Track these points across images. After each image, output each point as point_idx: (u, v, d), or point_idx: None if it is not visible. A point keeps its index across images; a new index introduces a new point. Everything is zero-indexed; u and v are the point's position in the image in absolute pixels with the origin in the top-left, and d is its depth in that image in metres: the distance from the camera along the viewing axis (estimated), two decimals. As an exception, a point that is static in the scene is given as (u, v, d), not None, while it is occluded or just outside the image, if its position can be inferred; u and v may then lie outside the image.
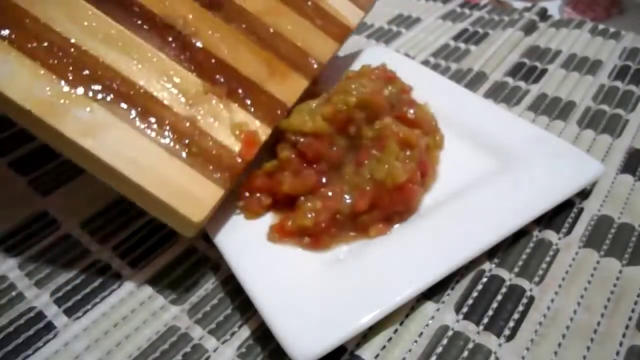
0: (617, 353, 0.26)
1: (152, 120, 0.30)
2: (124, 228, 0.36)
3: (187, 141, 0.30)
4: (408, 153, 0.33)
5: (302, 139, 0.32)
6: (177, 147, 0.30)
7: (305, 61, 0.38)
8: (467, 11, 0.61)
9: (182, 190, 0.29)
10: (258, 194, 0.33)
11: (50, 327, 0.30)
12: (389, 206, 0.32)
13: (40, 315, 0.31)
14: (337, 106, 0.32)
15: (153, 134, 0.30)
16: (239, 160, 0.32)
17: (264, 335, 0.28)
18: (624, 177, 0.36)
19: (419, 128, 0.35)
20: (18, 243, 0.36)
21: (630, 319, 0.28)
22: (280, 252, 0.31)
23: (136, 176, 0.28)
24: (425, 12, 0.62)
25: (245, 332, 0.29)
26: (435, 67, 0.51)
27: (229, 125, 0.32)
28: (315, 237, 0.31)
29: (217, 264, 0.33)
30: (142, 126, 0.30)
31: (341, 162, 0.33)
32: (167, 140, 0.30)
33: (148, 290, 0.32)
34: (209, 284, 0.32)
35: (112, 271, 0.33)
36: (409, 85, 0.38)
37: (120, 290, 0.32)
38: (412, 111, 0.35)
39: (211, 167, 0.30)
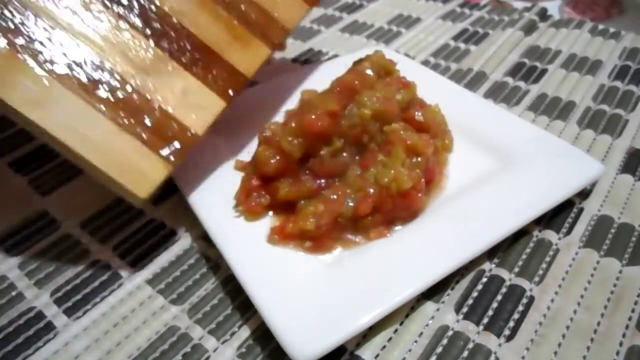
0: (617, 353, 0.26)
1: (103, 93, 0.29)
2: (124, 228, 0.36)
3: (137, 114, 0.30)
4: (415, 160, 0.33)
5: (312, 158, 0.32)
6: (127, 120, 0.30)
7: (270, 27, 0.36)
8: (467, 11, 0.61)
9: (131, 165, 0.29)
10: (255, 194, 0.33)
11: (50, 327, 0.30)
12: (392, 211, 0.32)
13: (40, 315, 0.31)
14: (352, 120, 0.32)
15: (103, 107, 0.29)
16: (190, 134, 0.31)
17: (264, 335, 0.28)
18: (624, 177, 0.36)
19: (428, 131, 0.35)
20: (18, 243, 0.36)
21: (630, 319, 0.28)
22: (280, 252, 0.31)
23: (86, 152, 0.28)
24: (425, 12, 0.62)
25: (245, 332, 0.29)
26: (435, 67, 0.51)
27: (182, 98, 0.31)
28: (316, 241, 0.31)
29: (217, 264, 0.33)
30: (92, 99, 0.29)
31: (346, 167, 0.33)
32: (118, 114, 0.29)
33: (148, 290, 0.32)
34: (209, 284, 0.32)
35: (112, 271, 0.33)
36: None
37: (120, 290, 0.32)
38: (419, 114, 0.35)
39: (161, 142, 0.30)
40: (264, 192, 0.33)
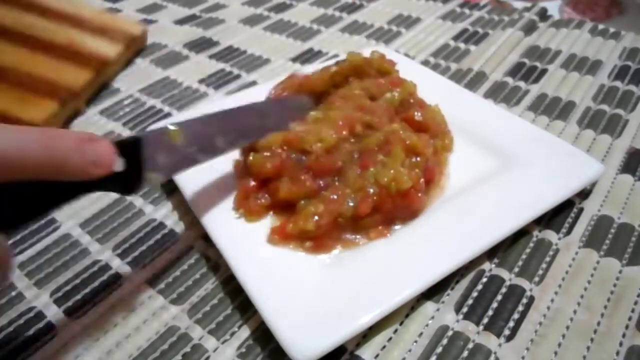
0: (617, 353, 0.26)
1: None
2: (124, 228, 0.36)
3: None
4: (414, 160, 0.33)
5: (307, 156, 0.32)
6: None
7: (56, 89, 0.46)
8: (467, 11, 0.61)
9: None
10: (255, 195, 0.33)
11: (50, 327, 0.30)
12: (392, 211, 0.31)
13: (40, 315, 0.31)
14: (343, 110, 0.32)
15: None
16: None
17: (264, 335, 0.28)
18: (624, 177, 0.36)
19: (427, 131, 0.35)
20: (18, 243, 0.36)
21: (630, 319, 0.28)
22: (280, 252, 0.31)
23: None
24: (425, 12, 0.62)
25: (245, 332, 0.29)
26: (435, 67, 0.51)
27: None
28: (316, 241, 0.31)
29: (217, 264, 0.33)
30: None
31: (345, 167, 0.33)
32: None
33: (148, 290, 0.32)
34: (209, 284, 0.32)
35: (112, 271, 0.33)
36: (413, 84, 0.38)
37: (120, 290, 0.32)
38: (419, 114, 0.35)
39: None
40: (264, 193, 0.33)
